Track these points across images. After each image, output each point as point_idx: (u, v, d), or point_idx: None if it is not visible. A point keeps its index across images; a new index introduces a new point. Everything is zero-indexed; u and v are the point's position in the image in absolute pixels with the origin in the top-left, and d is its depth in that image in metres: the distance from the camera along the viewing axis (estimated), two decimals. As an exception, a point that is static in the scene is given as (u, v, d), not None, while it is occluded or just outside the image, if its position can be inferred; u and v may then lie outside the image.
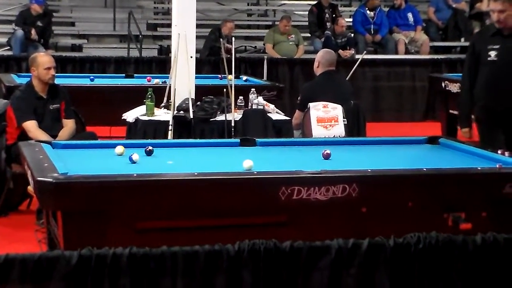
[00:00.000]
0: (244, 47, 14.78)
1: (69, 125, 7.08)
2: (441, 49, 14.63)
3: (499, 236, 3.14)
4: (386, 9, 14.81)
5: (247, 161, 4.86)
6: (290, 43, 13.08)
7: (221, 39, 10.04)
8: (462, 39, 14.55)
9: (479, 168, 4.99)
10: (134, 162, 5.02)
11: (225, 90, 7.24)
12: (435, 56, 13.62)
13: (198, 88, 7.96)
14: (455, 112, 10.05)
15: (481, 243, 3.13)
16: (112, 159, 5.22)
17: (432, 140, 6.10)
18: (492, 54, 6.34)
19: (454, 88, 9.98)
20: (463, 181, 4.90)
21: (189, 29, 7.74)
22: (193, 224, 4.56)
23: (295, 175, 4.66)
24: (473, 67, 6.51)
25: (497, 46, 6.32)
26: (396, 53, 13.95)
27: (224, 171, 4.77)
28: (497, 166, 4.98)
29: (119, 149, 5.34)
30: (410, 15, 14.43)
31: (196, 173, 4.59)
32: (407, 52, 14.13)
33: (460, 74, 11.07)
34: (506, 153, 5.31)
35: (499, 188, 4.81)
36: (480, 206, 4.84)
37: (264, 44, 13.43)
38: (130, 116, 7.45)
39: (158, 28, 14.98)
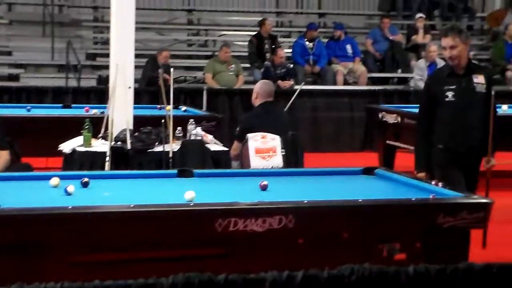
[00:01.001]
0: (184, 78, 14.78)
1: (3, 156, 6.98)
2: (379, 80, 14.84)
3: (431, 267, 3.17)
4: (325, 41, 14.99)
5: (189, 192, 4.85)
6: (230, 73, 13.11)
7: (159, 69, 10.03)
8: (399, 71, 14.79)
9: (413, 199, 5.05)
10: (69, 194, 4.97)
11: (163, 120, 7.22)
12: (373, 87, 13.81)
13: (136, 119, 7.92)
14: (392, 143, 10.20)
15: (414, 274, 3.15)
16: (47, 191, 5.16)
17: (368, 171, 6.17)
18: (450, 94, 6.08)
19: (391, 118, 10.12)
20: (398, 211, 4.95)
21: (127, 60, 7.72)
22: (129, 256, 4.52)
23: (231, 206, 4.67)
24: (429, 109, 6.23)
25: (453, 87, 6.08)
26: (335, 84, 14.10)
27: (161, 202, 4.75)
28: (431, 196, 5.06)
29: (54, 180, 5.28)
30: (349, 47, 14.63)
31: (132, 205, 4.56)
32: (345, 83, 14.31)
33: (397, 105, 11.35)
34: (440, 184, 5.40)
35: (432, 218, 4.87)
36: (415, 236, 4.90)
37: (204, 74, 13.45)
38: (67, 147, 7.38)
39: (97, 58, 14.91)
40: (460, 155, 6.15)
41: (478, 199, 5.09)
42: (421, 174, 6.14)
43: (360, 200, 4.94)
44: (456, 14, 17.01)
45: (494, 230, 5.48)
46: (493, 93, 6.16)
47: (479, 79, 6.11)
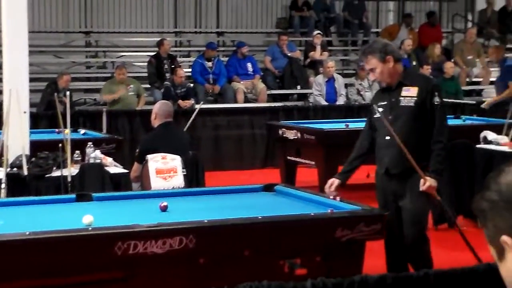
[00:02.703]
0: (84, 100, 14.60)
1: None
2: (279, 97, 14.99)
3: (328, 280, 3.22)
4: (225, 59, 15.06)
5: (87, 216, 4.78)
6: (130, 93, 12.99)
7: (55, 93, 9.87)
8: (298, 87, 14.97)
9: (312, 214, 5.12)
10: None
11: (60, 145, 7.11)
12: (273, 104, 13.94)
13: (34, 144, 7.77)
14: (293, 159, 10.31)
15: (311, 288, 3.20)
16: None
17: (269, 188, 6.21)
18: (379, 110, 5.67)
19: (291, 135, 10.23)
20: (297, 227, 5.01)
21: (22, 84, 7.58)
22: (27, 285, 4.43)
23: (130, 229, 4.63)
24: (368, 126, 5.86)
25: (384, 102, 5.67)
26: (236, 102, 14.17)
27: (59, 228, 4.67)
28: (329, 211, 5.13)
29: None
30: (249, 65, 14.73)
31: (27, 232, 4.47)
32: (246, 100, 14.39)
33: (297, 121, 11.49)
34: (338, 198, 5.48)
35: (331, 233, 4.94)
36: (315, 251, 4.97)
37: (95, 99, 13.28)
38: (-40, 174, 7.17)
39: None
40: (385, 177, 5.66)
41: (374, 211, 5.19)
42: (332, 180, 5.74)
43: (259, 217, 4.97)
44: (352, 30, 17.35)
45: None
46: (436, 102, 5.54)
47: (410, 92, 5.58)
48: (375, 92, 6.12)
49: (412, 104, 5.55)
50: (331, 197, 5.54)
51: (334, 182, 5.72)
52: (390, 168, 5.60)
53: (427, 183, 5.43)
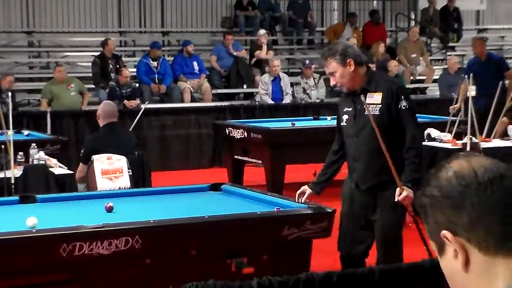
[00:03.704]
0: (27, 101, 14.41)
1: None
2: (225, 96, 14.98)
3: (274, 279, 3.23)
4: (170, 59, 14.99)
5: (31, 218, 4.73)
6: (72, 93, 12.84)
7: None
8: (244, 86, 14.98)
9: (258, 213, 5.12)
10: None
11: (3, 146, 7.00)
12: (219, 103, 13.92)
13: (-24, 146, 7.63)
14: (240, 158, 10.31)
15: (257, 287, 3.20)
16: None
17: (215, 187, 6.21)
18: (345, 118, 5.29)
19: (238, 134, 10.22)
20: (243, 226, 5.01)
21: (-37, 85, 7.45)
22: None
23: (75, 230, 4.58)
24: (337, 132, 5.46)
25: (349, 109, 5.26)
26: (182, 101, 14.12)
27: (2, 231, 4.59)
28: (275, 209, 5.14)
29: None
30: (195, 64, 14.70)
31: (-30, 236, 4.40)
32: (193, 100, 14.35)
33: (244, 120, 11.50)
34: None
35: (277, 231, 4.95)
36: (261, 249, 4.97)
37: (39, 100, 13.12)
38: None
39: None
40: (355, 190, 5.30)
41: (320, 209, 5.20)
42: (304, 187, 5.41)
43: (206, 217, 4.96)
44: (297, 29, 17.43)
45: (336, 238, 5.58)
46: (403, 106, 5.09)
47: (373, 99, 5.14)
48: (341, 96, 5.61)
49: (377, 112, 5.10)
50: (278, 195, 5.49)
51: (305, 191, 5.37)
52: (360, 184, 5.24)
53: (403, 193, 4.98)
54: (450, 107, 10.32)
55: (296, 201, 5.36)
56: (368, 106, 5.08)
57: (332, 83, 5.34)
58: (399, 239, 5.31)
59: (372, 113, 5.05)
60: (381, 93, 5.13)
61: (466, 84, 10.04)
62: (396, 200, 5.01)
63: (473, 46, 12.36)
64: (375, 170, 5.13)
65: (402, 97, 5.12)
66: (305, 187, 5.40)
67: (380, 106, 5.11)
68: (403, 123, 5.08)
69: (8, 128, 7.38)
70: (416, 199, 1.65)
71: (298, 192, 5.39)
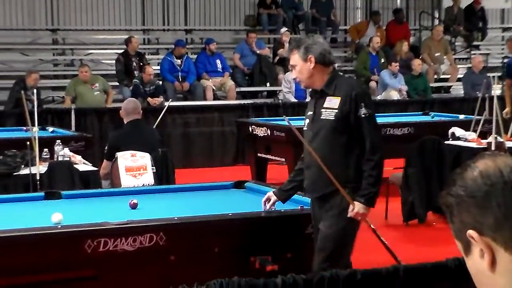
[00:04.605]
0: (52, 98, 14.50)
1: None
2: (248, 94, 15.00)
3: (298, 277, 3.24)
4: (194, 57, 15.03)
5: (56, 214, 4.76)
6: (95, 93, 12.90)
7: (22, 92, 9.80)
8: (268, 84, 14.99)
9: (282, 210, 5.13)
10: None
11: (28, 142, 7.06)
12: (242, 101, 13.94)
13: (1, 142, 7.75)
14: (263, 156, 10.33)
15: (282, 285, 3.21)
16: None
17: (238, 185, 6.23)
18: (306, 122, 5.00)
19: (261, 132, 10.25)
20: (267, 223, 5.02)
21: (-12, 82, 7.52)
22: (-4, 283, 4.40)
23: (100, 227, 4.61)
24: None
25: (311, 113, 4.94)
26: (205, 99, 14.15)
27: (28, 226, 4.64)
28: (299, 207, 5.15)
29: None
30: (218, 62, 14.72)
31: (-4, 231, 4.44)
32: (215, 98, 14.38)
33: (267, 118, 11.51)
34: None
35: (301, 229, 4.96)
36: (285, 247, 4.98)
37: (63, 97, 13.19)
38: None
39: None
40: (313, 203, 4.94)
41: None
42: (269, 194, 5.12)
43: (230, 214, 4.98)
44: (320, 27, 17.41)
45: (360, 236, 5.56)
46: (363, 114, 4.70)
47: (331, 103, 4.77)
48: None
49: (332, 117, 4.73)
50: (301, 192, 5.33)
51: (270, 197, 5.07)
52: (309, 192, 4.95)
53: (355, 208, 4.68)
54: (503, 112, 10.35)
55: (263, 208, 5.06)
56: (325, 110, 4.75)
57: (292, 76, 5.08)
58: (341, 249, 4.77)
59: (327, 118, 4.74)
60: (339, 98, 4.74)
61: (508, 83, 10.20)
62: (348, 215, 4.69)
63: (508, 46, 12.34)
64: (326, 180, 4.70)
65: (362, 104, 4.70)
66: (271, 193, 5.10)
67: (336, 111, 4.72)
68: (362, 132, 4.70)
69: (33, 125, 7.44)
70: (442, 198, 1.65)
71: (264, 198, 5.10)
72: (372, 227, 4.88)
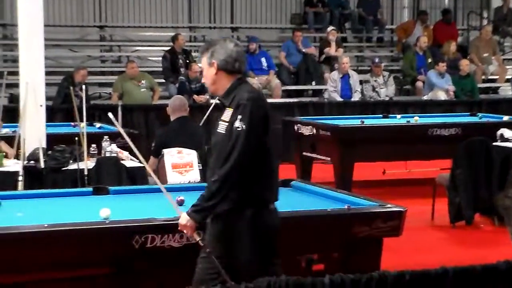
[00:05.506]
0: (99, 94, 14.64)
1: None
2: (294, 93, 14.98)
3: (346, 277, 3.21)
4: (239, 55, 15.04)
5: (104, 209, 4.80)
6: (142, 89, 12.98)
7: (71, 87, 9.90)
8: (313, 83, 14.95)
9: (329, 210, 5.11)
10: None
11: (76, 138, 7.13)
12: (288, 100, 13.92)
13: (50, 137, 7.81)
14: (308, 154, 10.31)
15: (330, 284, 3.19)
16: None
17: (285, 183, 6.21)
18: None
19: (306, 130, 10.23)
20: (314, 223, 5.00)
21: (38, 77, 7.61)
22: (46, 277, 4.45)
23: (148, 223, 4.64)
24: None
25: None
26: (250, 97, 14.14)
27: (76, 221, 4.69)
28: (346, 207, 5.12)
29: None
30: (263, 60, 14.73)
31: (46, 225, 4.49)
32: (260, 96, 14.37)
33: (312, 117, 11.47)
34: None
35: (348, 229, 4.94)
36: (332, 246, 4.96)
37: (110, 93, 13.27)
38: (-22, 167, 7.21)
39: (8, 76, 14.59)
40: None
41: (391, 207, 5.17)
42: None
43: (277, 213, 4.96)
44: (367, 26, 17.33)
45: (407, 236, 5.55)
46: (237, 128, 4.15)
47: (225, 115, 4.29)
48: None
49: (223, 131, 4.27)
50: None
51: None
52: None
53: (181, 220, 4.24)
54: None
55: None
56: (220, 122, 4.30)
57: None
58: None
59: (220, 131, 4.28)
60: (232, 110, 4.25)
61: None
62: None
63: None
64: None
65: (240, 116, 4.16)
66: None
67: (226, 124, 4.25)
68: (230, 143, 4.17)
69: (81, 121, 7.52)
70: (498, 201, 1.63)
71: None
72: (201, 245, 4.25)
